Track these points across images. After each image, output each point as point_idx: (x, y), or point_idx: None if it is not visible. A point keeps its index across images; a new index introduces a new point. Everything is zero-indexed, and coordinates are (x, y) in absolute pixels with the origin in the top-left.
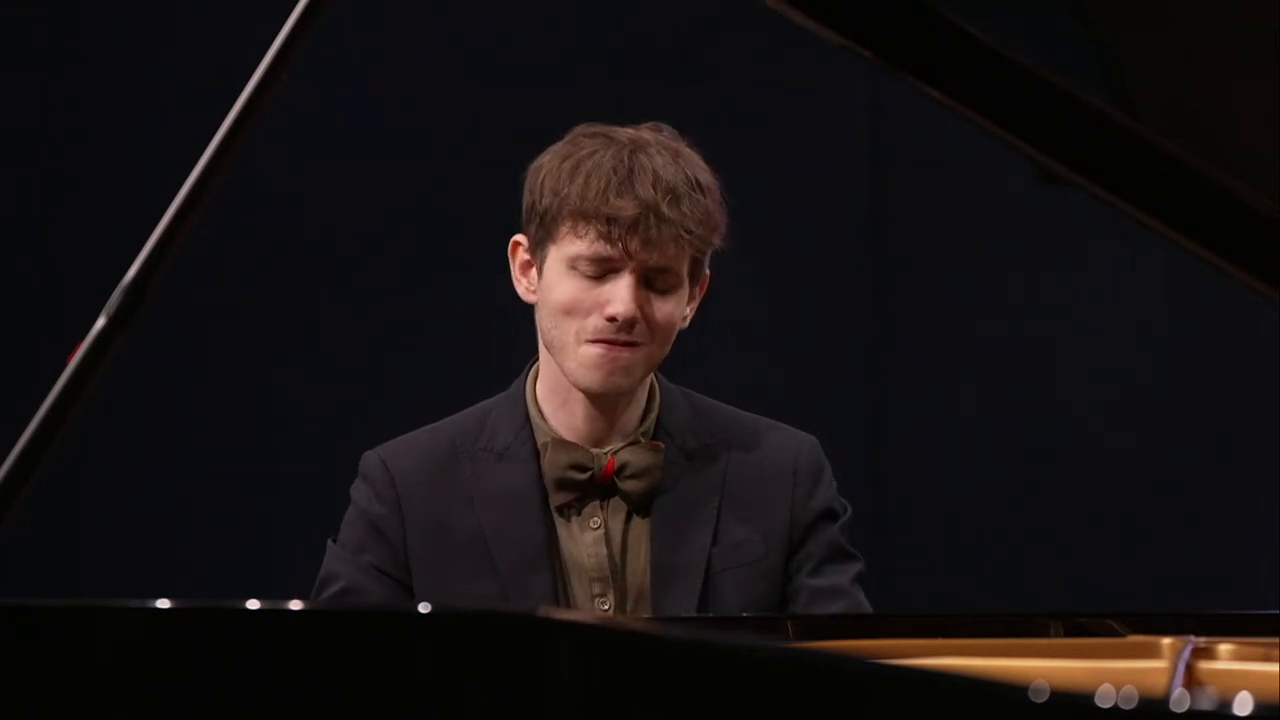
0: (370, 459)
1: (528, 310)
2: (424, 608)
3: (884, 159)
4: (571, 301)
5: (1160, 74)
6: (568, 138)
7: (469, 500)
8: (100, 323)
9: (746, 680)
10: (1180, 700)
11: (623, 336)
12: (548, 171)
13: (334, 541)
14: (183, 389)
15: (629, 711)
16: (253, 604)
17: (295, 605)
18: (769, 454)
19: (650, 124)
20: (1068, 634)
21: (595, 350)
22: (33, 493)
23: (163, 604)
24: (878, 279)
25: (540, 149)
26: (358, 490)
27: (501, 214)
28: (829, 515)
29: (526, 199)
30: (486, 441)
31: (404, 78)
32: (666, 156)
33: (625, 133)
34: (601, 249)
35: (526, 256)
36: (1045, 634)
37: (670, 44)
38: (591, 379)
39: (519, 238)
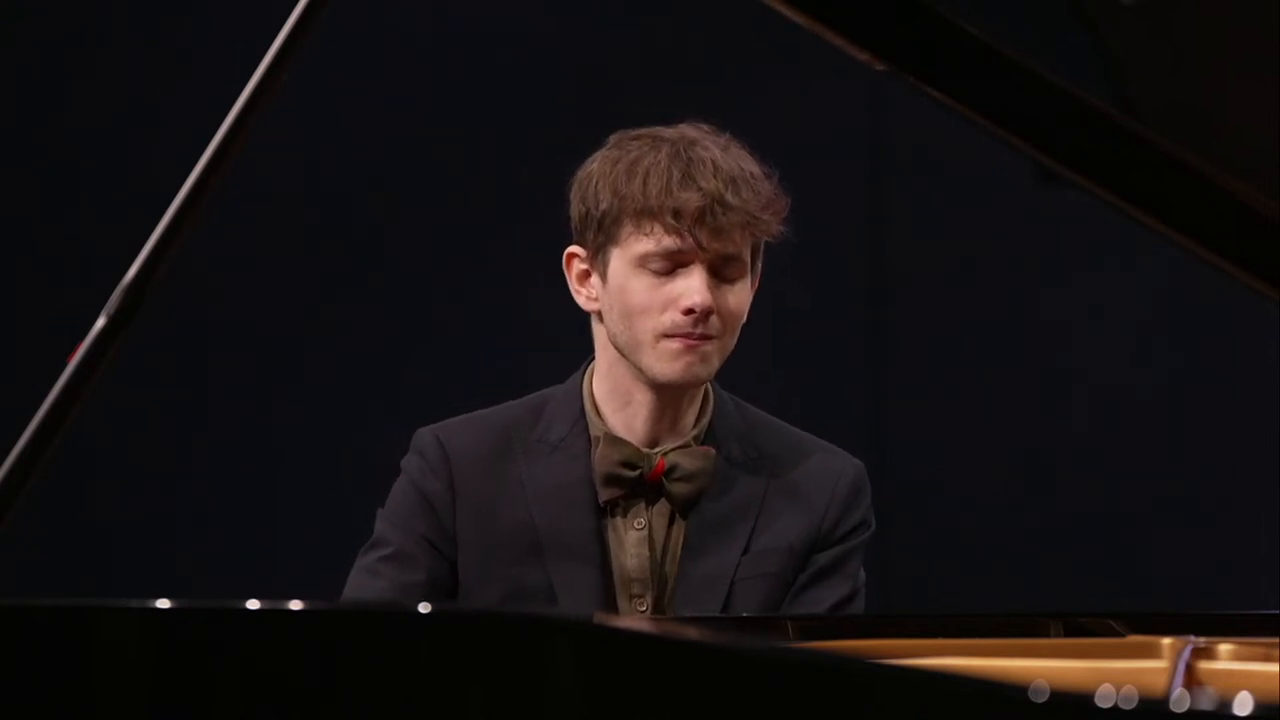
0: (425, 435)
1: (534, 309)
2: (424, 608)
3: (884, 159)
4: (644, 300)
5: (1160, 74)
6: (610, 144)
7: (521, 489)
8: (100, 323)
9: (747, 680)
10: (1180, 700)
11: (699, 330)
12: (600, 176)
13: (382, 509)
14: (183, 389)
15: (629, 712)
16: (253, 604)
17: (295, 605)
18: (812, 473)
19: (688, 122)
20: (1068, 634)
21: (674, 344)
22: (33, 492)
23: (163, 604)
24: (877, 279)
25: (536, 147)
26: (410, 464)
27: (504, 215)
28: (846, 538)
29: (578, 208)
30: (542, 433)
31: (411, 75)
32: (718, 149)
33: (671, 131)
34: (670, 243)
35: (584, 266)
36: (1045, 634)
37: (670, 43)
38: (672, 372)
39: (574, 249)
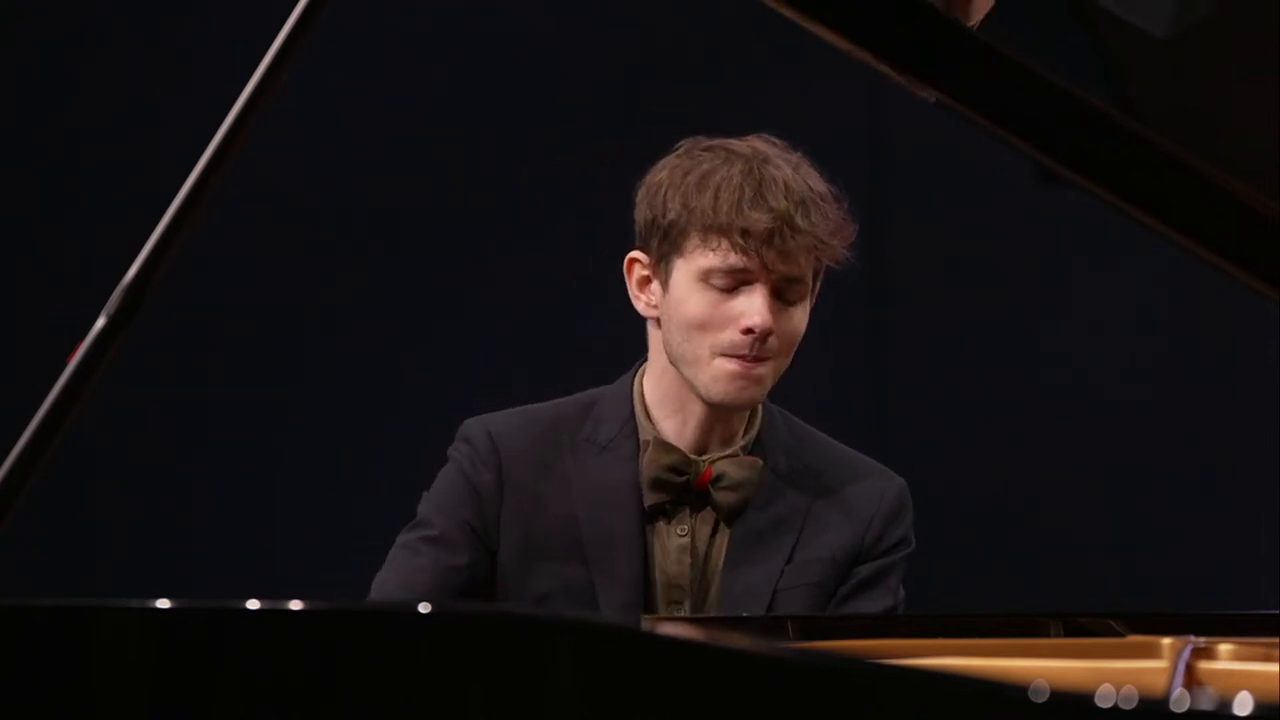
0: (475, 427)
1: (534, 309)
2: (424, 608)
3: (884, 159)
4: (704, 316)
5: (1160, 74)
6: (680, 151)
7: (567, 487)
8: (100, 323)
9: (747, 680)
10: (1180, 700)
11: (755, 350)
12: (670, 185)
13: (427, 493)
14: (183, 389)
15: (629, 712)
16: (253, 604)
17: (295, 605)
18: (857, 489)
19: (757, 135)
20: (1068, 634)
21: (730, 365)
22: (33, 492)
23: (163, 604)
24: (877, 279)
25: (536, 147)
26: (460, 452)
27: (504, 215)
28: (888, 553)
29: (644, 214)
30: (590, 432)
31: (411, 75)
32: (790, 167)
33: (743, 145)
34: (736, 261)
35: (645, 273)
36: (1045, 634)
37: (671, 43)
38: (725, 393)
39: (636, 254)
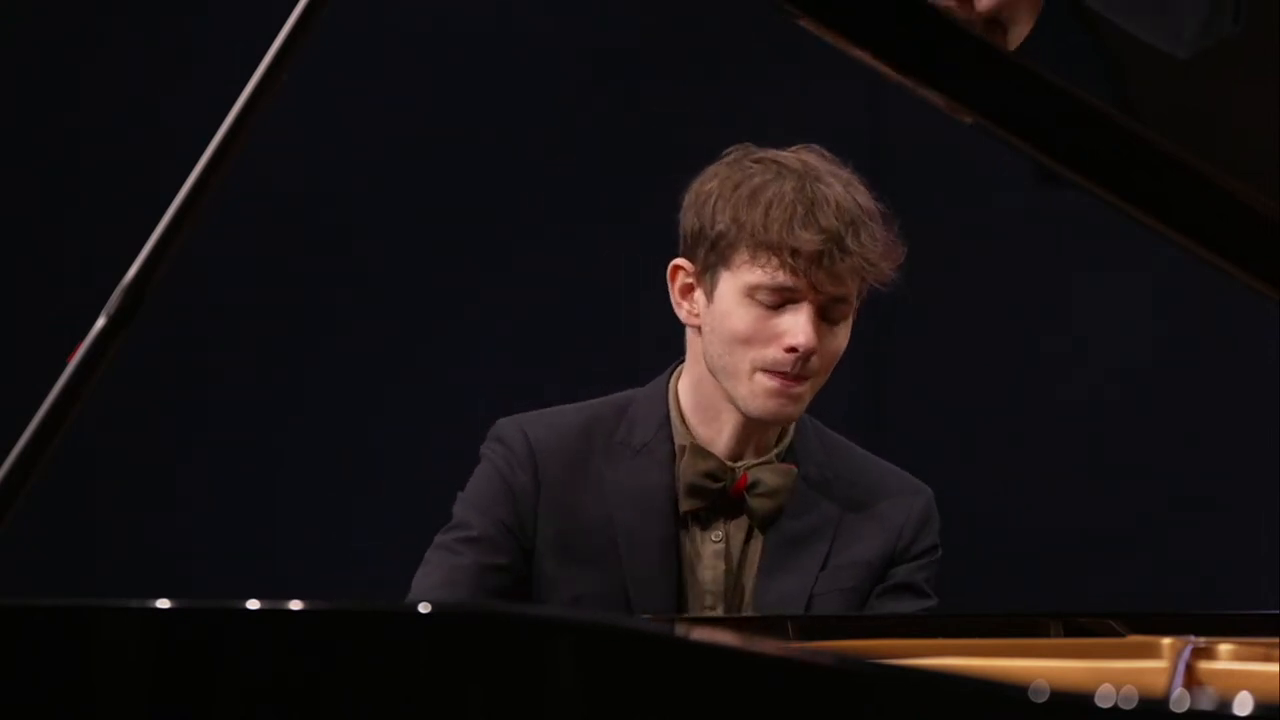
0: (510, 427)
1: (535, 309)
2: (424, 608)
3: (884, 159)
4: (749, 331)
5: (1160, 74)
6: (728, 160)
7: (601, 490)
8: (100, 323)
9: (747, 680)
10: (1180, 700)
11: (798, 369)
12: (720, 197)
13: (462, 493)
14: (183, 389)
15: (629, 712)
16: (253, 604)
17: (295, 605)
18: (887, 498)
19: (803, 146)
20: (1068, 634)
21: (770, 382)
22: (33, 492)
23: (163, 604)
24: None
25: (537, 146)
26: (495, 452)
27: (504, 215)
28: (919, 557)
29: (692, 223)
30: (624, 435)
31: (411, 75)
32: (840, 184)
33: (793, 158)
34: (784, 280)
35: (689, 281)
36: (1045, 634)
37: (671, 43)
38: (764, 409)
39: (681, 262)
